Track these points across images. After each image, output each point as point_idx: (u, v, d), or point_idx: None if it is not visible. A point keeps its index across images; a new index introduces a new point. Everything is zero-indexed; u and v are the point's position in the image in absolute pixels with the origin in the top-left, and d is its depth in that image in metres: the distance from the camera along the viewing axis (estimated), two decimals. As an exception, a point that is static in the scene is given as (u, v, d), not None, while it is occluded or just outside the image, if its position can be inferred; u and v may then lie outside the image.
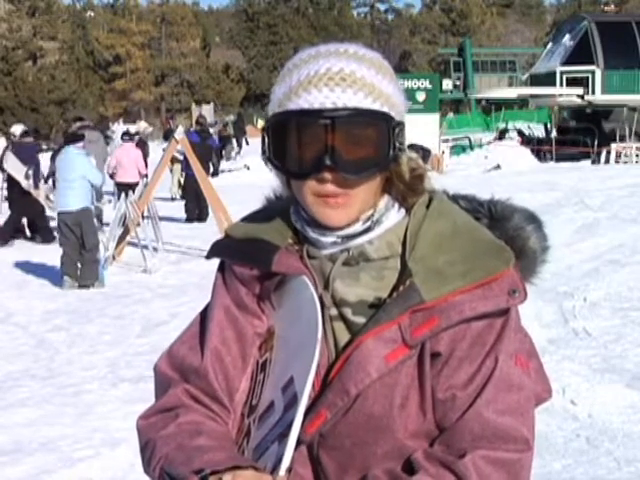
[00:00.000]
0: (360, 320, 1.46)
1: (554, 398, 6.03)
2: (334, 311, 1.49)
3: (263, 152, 1.46)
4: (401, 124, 1.44)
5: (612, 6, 52.44)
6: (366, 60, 1.45)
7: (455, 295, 1.42)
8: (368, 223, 1.47)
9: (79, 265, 10.88)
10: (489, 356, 1.44)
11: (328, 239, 1.48)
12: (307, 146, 1.41)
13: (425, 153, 18.54)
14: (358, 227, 1.47)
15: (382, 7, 79.92)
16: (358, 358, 1.43)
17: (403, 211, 1.51)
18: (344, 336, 1.48)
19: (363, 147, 1.41)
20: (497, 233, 1.50)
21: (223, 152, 32.83)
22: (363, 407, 1.44)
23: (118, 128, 32.51)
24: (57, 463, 5.08)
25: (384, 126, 1.42)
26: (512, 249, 1.48)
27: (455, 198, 1.59)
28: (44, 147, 27.96)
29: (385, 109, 1.43)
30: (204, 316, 1.62)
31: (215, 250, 1.61)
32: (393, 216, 1.49)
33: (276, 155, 1.44)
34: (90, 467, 5.01)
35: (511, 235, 1.52)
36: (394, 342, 1.42)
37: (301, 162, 1.42)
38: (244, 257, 1.54)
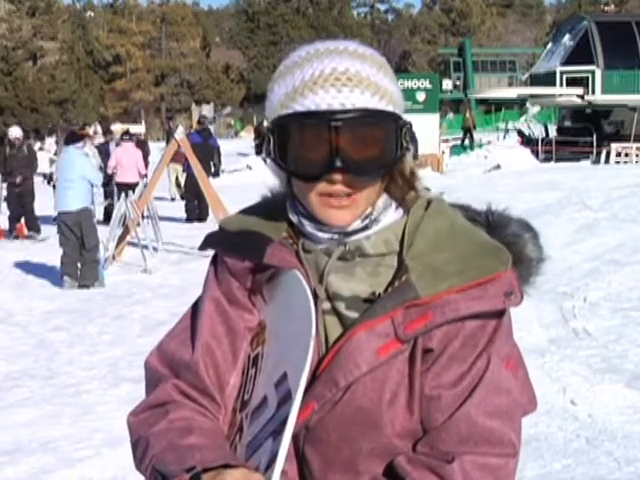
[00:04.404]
0: (353, 314, 1.45)
1: (554, 398, 5.99)
2: (327, 305, 1.48)
3: (268, 153, 1.44)
4: (407, 123, 1.45)
5: (612, 6, 52.50)
6: (367, 58, 1.43)
7: (451, 293, 1.41)
8: (366, 221, 1.46)
9: (79, 265, 10.88)
10: (480, 357, 1.43)
11: (325, 235, 1.47)
12: (316, 147, 1.39)
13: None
14: (356, 225, 1.46)
15: (382, 7, 79.98)
16: (349, 350, 1.41)
17: (401, 210, 1.50)
18: (336, 330, 1.47)
19: (372, 147, 1.40)
20: (495, 239, 1.50)
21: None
22: (352, 400, 1.43)
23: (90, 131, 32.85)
24: (57, 463, 5.08)
25: (392, 126, 1.42)
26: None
27: (452, 206, 1.58)
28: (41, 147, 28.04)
29: (391, 108, 1.42)
30: (195, 310, 1.60)
31: (208, 241, 1.60)
32: (391, 215, 1.49)
33: (282, 156, 1.42)
34: (90, 467, 5.00)
35: (509, 241, 1.51)
36: (386, 336, 1.41)
37: (310, 164, 1.40)
38: (236, 249, 1.52)
